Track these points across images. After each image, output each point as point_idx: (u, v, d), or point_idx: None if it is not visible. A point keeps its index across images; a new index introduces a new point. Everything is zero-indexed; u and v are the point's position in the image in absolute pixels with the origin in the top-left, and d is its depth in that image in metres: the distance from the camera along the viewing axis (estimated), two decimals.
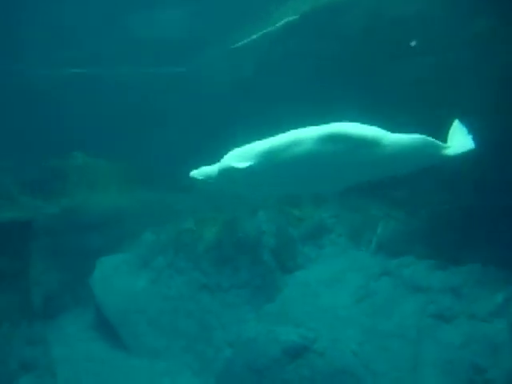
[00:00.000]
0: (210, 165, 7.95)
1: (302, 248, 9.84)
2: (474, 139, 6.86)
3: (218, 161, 7.70)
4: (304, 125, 6.94)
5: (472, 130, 6.90)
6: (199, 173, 7.84)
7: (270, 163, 7.26)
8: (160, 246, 10.37)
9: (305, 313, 8.56)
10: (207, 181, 7.82)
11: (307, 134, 7.11)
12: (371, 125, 6.88)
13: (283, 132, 7.03)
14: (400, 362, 7.57)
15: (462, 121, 7.04)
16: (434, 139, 6.96)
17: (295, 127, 7.01)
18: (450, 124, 7.08)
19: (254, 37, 11.35)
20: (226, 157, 7.69)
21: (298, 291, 9.11)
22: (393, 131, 6.88)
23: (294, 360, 7.82)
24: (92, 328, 9.96)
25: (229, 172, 7.52)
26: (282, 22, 10.83)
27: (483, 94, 8.41)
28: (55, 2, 12.59)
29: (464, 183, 8.89)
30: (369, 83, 9.87)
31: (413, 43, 9.19)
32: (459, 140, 7.05)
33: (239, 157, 7.60)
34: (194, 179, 7.85)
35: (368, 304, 8.42)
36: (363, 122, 6.89)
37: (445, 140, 6.96)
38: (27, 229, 10.06)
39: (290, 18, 10.72)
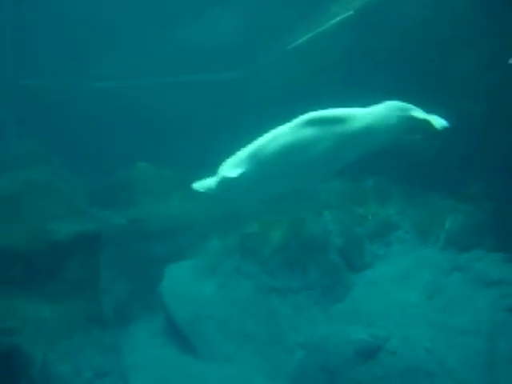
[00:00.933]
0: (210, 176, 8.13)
1: (369, 246, 9.78)
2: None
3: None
4: None
5: None
6: (200, 185, 8.46)
7: (257, 165, 7.79)
8: (226, 251, 10.37)
9: (375, 311, 8.48)
10: (208, 192, 8.37)
11: (283, 128, 7.76)
12: None
13: None
14: (475, 359, 7.40)
15: None
16: (402, 102, 7.84)
17: None
18: None
19: (309, 36, 11.30)
20: (221, 167, 8.28)
21: (367, 290, 9.04)
22: None
23: (367, 360, 7.71)
24: (162, 335, 9.99)
25: (224, 182, 8.06)
26: (337, 19, 10.76)
27: None
28: (113, 12, 12.79)
29: None
30: (429, 77, 9.75)
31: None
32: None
33: (231, 165, 8.13)
34: (196, 191, 8.41)
35: (439, 300, 8.28)
36: None
37: None
38: (96, 239, 10.27)
39: (345, 14, 10.66)
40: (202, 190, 8.54)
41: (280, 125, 8.29)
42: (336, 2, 11.17)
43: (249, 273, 9.99)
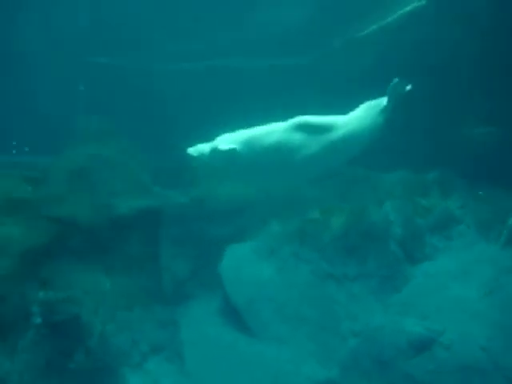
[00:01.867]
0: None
1: (429, 239, 9.68)
2: None
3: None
4: None
5: None
6: (195, 150, 8.96)
7: (249, 149, 8.45)
8: (286, 235, 10.41)
9: (432, 305, 8.42)
10: (201, 158, 8.90)
11: (279, 125, 8.39)
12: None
13: None
14: None
15: None
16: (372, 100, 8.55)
17: None
18: None
19: (378, 25, 11.18)
20: (218, 138, 8.87)
21: (425, 282, 8.98)
22: None
23: (420, 352, 7.69)
24: (219, 314, 10.08)
25: (216, 152, 8.66)
26: (409, 7, 10.61)
27: None
28: None
29: None
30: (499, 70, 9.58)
31: None
32: None
33: (228, 140, 8.77)
34: (190, 156, 8.95)
35: (498, 298, 8.16)
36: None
37: None
38: (158, 216, 10.47)
39: (417, 3, 10.49)
40: (195, 155, 9.03)
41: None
42: None
43: (307, 258, 10.03)
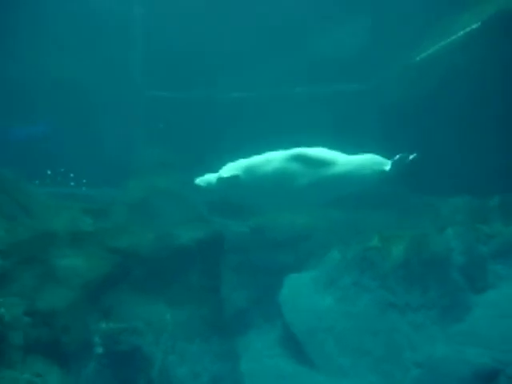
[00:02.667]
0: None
1: (492, 266, 9.43)
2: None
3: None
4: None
5: None
6: (202, 180, 9.39)
7: (249, 176, 8.92)
8: (346, 264, 10.33)
9: (496, 334, 8.16)
10: (208, 188, 9.37)
11: (278, 154, 8.87)
12: None
13: None
14: None
15: None
16: (379, 156, 8.90)
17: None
18: None
19: (436, 48, 11.07)
20: (224, 167, 9.30)
21: (488, 311, 8.71)
22: None
23: None
24: (279, 344, 10.06)
25: (220, 181, 9.14)
26: (465, 30, 10.49)
27: None
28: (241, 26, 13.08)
29: None
30: None
31: None
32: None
33: (232, 168, 9.21)
34: (198, 186, 9.42)
35: None
36: None
37: None
38: (219, 246, 10.51)
39: (474, 26, 10.37)
40: (203, 185, 9.50)
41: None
42: (467, 10, 10.88)
43: (368, 287, 9.90)
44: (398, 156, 9.14)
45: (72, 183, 11.96)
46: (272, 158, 9.02)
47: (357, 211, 11.64)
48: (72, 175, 11.72)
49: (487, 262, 9.44)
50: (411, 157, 9.14)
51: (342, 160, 9.05)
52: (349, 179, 8.93)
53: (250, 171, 9.10)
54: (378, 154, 9.43)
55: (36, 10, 12.96)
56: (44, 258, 9.15)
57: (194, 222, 10.72)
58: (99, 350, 8.65)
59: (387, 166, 9.19)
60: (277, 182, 8.88)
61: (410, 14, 12.01)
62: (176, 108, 13.62)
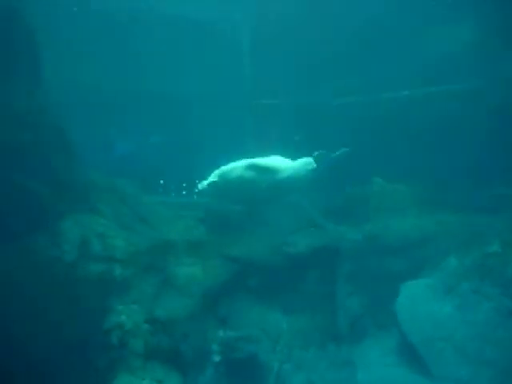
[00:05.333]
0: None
1: None
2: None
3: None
4: None
5: None
6: (201, 185, 10.67)
7: (222, 181, 10.39)
8: (464, 270, 10.03)
9: None
10: (204, 192, 10.62)
11: (240, 163, 10.30)
12: None
13: None
14: None
15: None
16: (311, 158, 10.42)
17: None
18: None
19: None
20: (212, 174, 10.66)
21: None
22: None
23: None
24: (395, 353, 9.90)
25: (208, 185, 10.54)
26: None
27: None
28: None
29: None
30: None
31: None
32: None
33: (213, 175, 10.63)
34: (199, 190, 10.70)
35: None
36: None
37: None
38: (335, 254, 10.47)
39: None
40: (201, 188, 10.65)
41: None
42: None
43: (488, 294, 9.58)
44: (316, 153, 10.50)
45: (184, 192, 12.29)
46: (235, 167, 10.43)
47: (471, 215, 11.29)
48: (184, 185, 12.07)
49: None
50: (337, 153, 10.54)
51: (284, 166, 10.47)
52: (291, 181, 10.36)
53: (222, 177, 10.50)
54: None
55: (142, 29, 13.35)
56: (162, 267, 9.43)
57: (308, 229, 10.73)
58: (217, 357, 8.81)
59: (313, 163, 10.56)
60: (239, 187, 10.34)
61: None
62: (284, 115, 13.71)
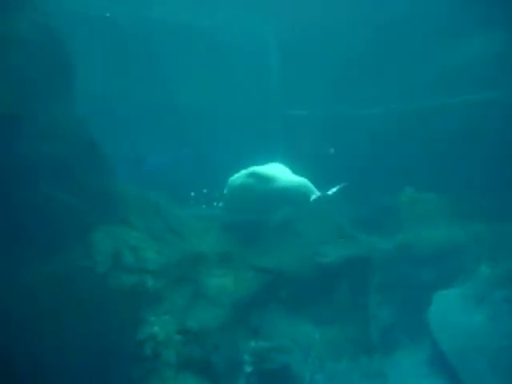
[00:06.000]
0: None
1: None
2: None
3: None
4: None
5: None
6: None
7: (228, 191, 10.57)
8: (496, 279, 9.96)
9: None
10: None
11: (243, 171, 10.37)
12: None
13: None
14: None
15: None
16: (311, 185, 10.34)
17: None
18: None
19: None
20: None
21: None
22: None
23: None
24: (427, 364, 9.83)
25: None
26: None
27: None
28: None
29: None
30: None
31: None
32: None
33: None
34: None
35: None
36: None
37: None
38: (366, 264, 10.44)
39: None
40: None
41: None
42: None
43: None
44: (313, 197, 10.37)
45: (215, 203, 12.38)
46: (239, 176, 10.53)
47: (501, 224, 11.20)
48: (217, 195, 12.16)
49: None
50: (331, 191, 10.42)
51: (284, 178, 10.43)
52: (286, 192, 10.29)
53: (228, 186, 10.64)
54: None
55: (171, 44, 13.55)
56: (193, 278, 9.48)
57: (339, 239, 10.72)
58: (248, 368, 8.82)
59: (313, 195, 10.43)
60: (242, 193, 10.43)
61: None
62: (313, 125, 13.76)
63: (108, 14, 13.04)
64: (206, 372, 8.65)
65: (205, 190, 11.95)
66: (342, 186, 10.39)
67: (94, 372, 8.02)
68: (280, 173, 10.50)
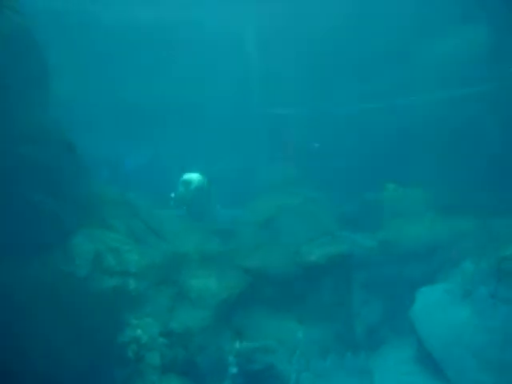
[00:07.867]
0: None
1: None
2: None
3: None
4: None
5: None
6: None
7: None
8: (481, 275, 9.92)
9: None
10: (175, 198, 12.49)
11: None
12: None
13: None
14: None
15: None
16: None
17: None
18: None
19: None
20: None
21: None
22: None
23: None
24: (412, 360, 9.81)
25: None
26: None
27: None
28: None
29: None
30: None
31: None
32: None
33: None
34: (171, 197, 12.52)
35: None
36: None
37: None
38: (349, 262, 10.42)
39: None
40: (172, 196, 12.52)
41: None
42: None
43: (507, 298, 9.45)
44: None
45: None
46: (182, 181, 12.35)
47: (486, 219, 11.21)
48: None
49: None
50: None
51: (196, 178, 12.28)
52: (198, 191, 12.19)
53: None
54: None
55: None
56: (176, 279, 9.40)
57: (322, 238, 10.69)
58: (233, 369, 8.75)
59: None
60: (181, 197, 12.22)
61: None
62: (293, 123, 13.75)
63: None
64: (190, 374, 8.58)
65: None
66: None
67: (76, 377, 7.94)
68: (193, 175, 12.30)
